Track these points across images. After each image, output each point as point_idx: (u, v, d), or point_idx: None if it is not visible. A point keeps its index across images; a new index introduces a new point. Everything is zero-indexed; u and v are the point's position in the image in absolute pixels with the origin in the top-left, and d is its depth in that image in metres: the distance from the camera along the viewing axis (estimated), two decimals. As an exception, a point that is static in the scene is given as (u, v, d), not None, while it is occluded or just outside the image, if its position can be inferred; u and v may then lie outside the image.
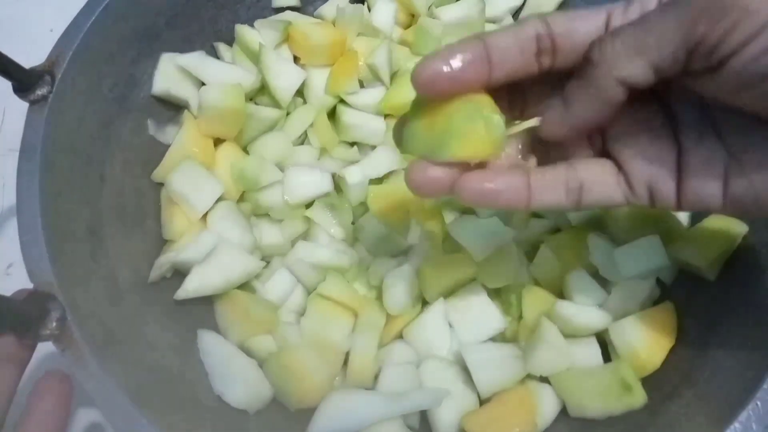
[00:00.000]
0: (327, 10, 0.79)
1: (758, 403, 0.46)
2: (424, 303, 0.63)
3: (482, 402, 0.57)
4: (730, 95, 0.36)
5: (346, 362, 0.60)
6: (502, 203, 0.41)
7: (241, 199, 0.68)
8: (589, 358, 0.58)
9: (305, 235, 0.68)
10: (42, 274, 0.47)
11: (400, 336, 0.62)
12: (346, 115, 0.71)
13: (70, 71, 0.55)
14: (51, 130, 0.53)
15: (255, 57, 0.72)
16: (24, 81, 0.52)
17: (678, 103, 0.41)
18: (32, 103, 0.53)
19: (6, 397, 0.42)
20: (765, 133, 0.37)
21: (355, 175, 0.67)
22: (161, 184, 0.65)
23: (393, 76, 0.74)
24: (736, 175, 0.38)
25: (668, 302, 0.61)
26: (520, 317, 0.61)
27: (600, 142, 0.44)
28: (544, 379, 0.58)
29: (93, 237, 0.55)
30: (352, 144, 0.73)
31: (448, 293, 0.63)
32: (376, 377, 0.59)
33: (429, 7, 0.78)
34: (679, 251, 0.60)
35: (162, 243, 0.64)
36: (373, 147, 0.71)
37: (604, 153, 0.43)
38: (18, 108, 0.53)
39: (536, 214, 0.69)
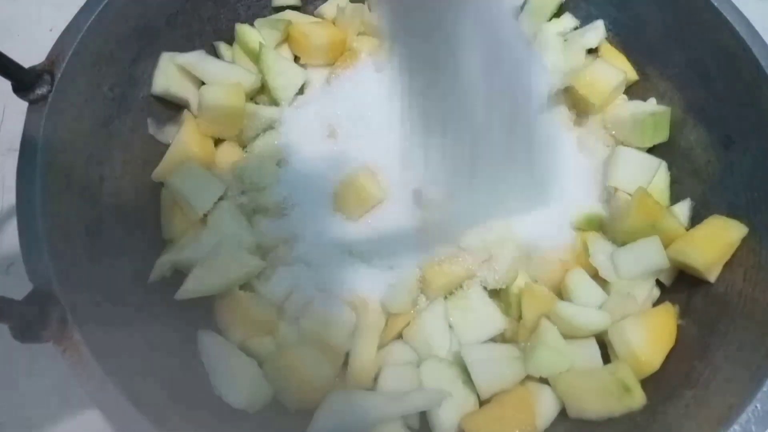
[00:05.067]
0: (327, 9, 0.79)
1: (758, 405, 0.46)
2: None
3: (482, 403, 0.58)
4: None
5: (346, 362, 0.60)
6: None
7: (242, 197, 0.68)
8: (589, 359, 0.58)
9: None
10: (42, 275, 0.47)
11: (400, 336, 0.62)
12: (346, 114, 0.71)
13: (70, 71, 0.55)
14: (51, 130, 0.53)
15: (255, 56, 0.72)
16: (24, 80, 0.52)
17: None
18: (32, 102, 0.53)
19: None
20: None
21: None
22: (161, 184, 0.65)
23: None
24: None
25: (668, 303, 0.61)
26: (520, 318, 0.61)
27: None
28: (544, 380, 0.58)
29: (93, 237, 0.55)
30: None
31: (448, 293, 0.63)
32: (376, 378, 0.58)
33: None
34: (678, 252, 0.60)
35: (162, 243, 0.64)
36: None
37: None
38: (18, 108, 0.53)
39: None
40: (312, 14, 0.80)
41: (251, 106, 0.70)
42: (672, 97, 0.70)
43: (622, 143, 0.71)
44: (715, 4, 0.63)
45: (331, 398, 0.55)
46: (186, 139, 0.66)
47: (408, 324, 0.62)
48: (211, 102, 0.66)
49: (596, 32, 0.75)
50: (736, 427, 0.45)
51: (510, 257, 0.62)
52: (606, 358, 0.59)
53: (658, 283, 0.63)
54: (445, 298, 0.63)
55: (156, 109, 0.68)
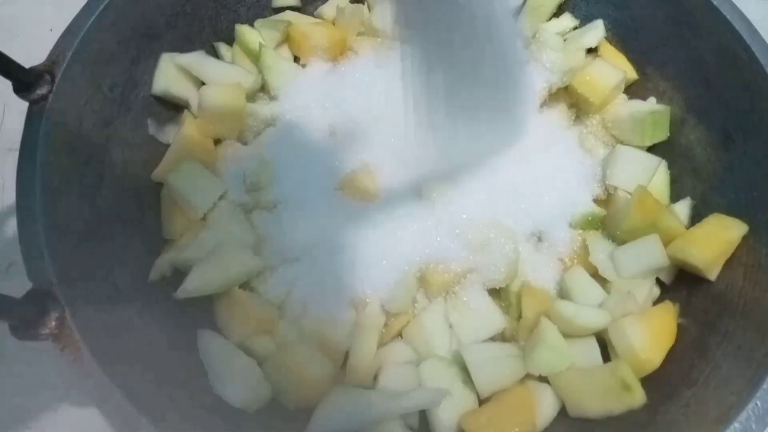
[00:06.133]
0: (327, 9, 0.80)
1: (758, 402, 0.46)
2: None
3: (481, 402, 0.57)
4: None
5: (345, 361, 0.60)
6: None
7: (242, 197, 0.68)
8: (589, 357, 0.58)
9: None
10: (42, 274, 0.47)
11: (399, 335, 0.62)
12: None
13: (70, 71, 0.55)
14: (51, 130, 0.53)
15: (255, 57, 0.73)
16: (24, 80, 0.53)
17: None
18: (32, 102, 0.53)
19: None
20: None
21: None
22: (161, 184, 0.65)
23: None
24: None
25: (668, 302, 0.61)
26: (520, 317, 0.61)
27: None
28: (544, 379, 0.58)
29: (93, 237, 0.55)
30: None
31: (448, 292, 0.63)
32: (376, 377, 0.58)
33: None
34: (678, 251, 0.60)
35: (162, 242, 0.64)
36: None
37: None
38: (18, 107, 0.53)
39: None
40: (312, 15, 0.80)
41: (251, 106, 0.70)
42: (672, 96, 0.71)
43: (622, 142, 0.71)
44: (715, 3, 0.63)
45: (331, 397, 0.54)
46: (186, 139, 0.66)
47: (408, 323, 0.62)
48: (211, 102, 0.66)
49: (596, 32, 0.75)
50: (736, 425, 0.45)
51: (509, 256, 0.62)
52: (606, 356, 0.59)
53: (658, 281, 0.63)
54: (445, 297, 0.63)
55: (156, 110, 0.68)
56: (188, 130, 0.67)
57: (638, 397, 0.54)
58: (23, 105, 0.53)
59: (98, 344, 0.46)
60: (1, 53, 0.50)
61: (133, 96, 0.64)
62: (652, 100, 0.72)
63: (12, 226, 0.49)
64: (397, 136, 0.70)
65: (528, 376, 0.58)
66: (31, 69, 0.54)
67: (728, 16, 0.62)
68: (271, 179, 0.67)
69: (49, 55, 0.55)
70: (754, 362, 0.49)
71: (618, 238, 0.64)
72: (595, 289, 0.61)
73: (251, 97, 0.72)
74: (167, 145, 0.67)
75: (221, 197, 0.65)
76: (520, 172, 0.68)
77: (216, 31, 0.75)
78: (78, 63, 0.56)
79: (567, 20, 0.78)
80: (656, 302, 0.63)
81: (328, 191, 0.67)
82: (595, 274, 0.62)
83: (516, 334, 0.61)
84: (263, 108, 0.71)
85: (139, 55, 0.65)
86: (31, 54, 0.56)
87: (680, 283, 0.62)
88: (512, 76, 0.57)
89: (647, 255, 0.61)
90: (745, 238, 0.58)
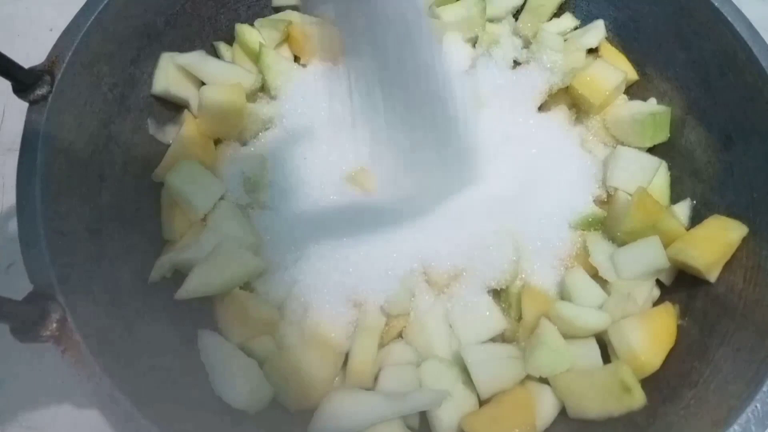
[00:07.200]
0: (327, 9, 0.79)
1: (757, 405, 0.46)
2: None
3: (482, 403, 0.58)
4: None
5: (346, 362, 0.60)
6: None
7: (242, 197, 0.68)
8: (589, 359, 0.58)
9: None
10: (42, 275, 0.47)
11: (400, 336, 0.62)
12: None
13: (70, 71, 0.55)
14: (51, 130, 0.53)
15: (255, 56, 0.72)
16: (24, 81, 0.52)
17: None
18: (32, 102, 0.53)
19: None
20: None
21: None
22: (161, 184, 0.65)
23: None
24: None
25: (668, 303, 0.61)
26: (520, 318, 0.61)
27: None
28: (544, 380, 0.58)
29: (93, 237, 0.55)
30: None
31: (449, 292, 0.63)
32: (376, 378, 0.59)
33: (429, 7, 0.78)
34: (679, 252, 0.60)
35: (162, 243, 0.64)
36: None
37: None
38: (18, 108, 0.53)
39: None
40: (312, 14, 0.80)
41: (251, 105, 0.70)
42: (672, 97, 0.71)
43: (623, 143, 0.71)
44: (715, 4, 0.63)
45: (331, 398, 0.55)
46: (186, 139, 0.66)
47: (408, 324, 0.62)
48: (211, 102, 0.66)
49: (596, 32, 0.75)
50: (736, 427, 0.45)
51: (510, 257, 0.62)
52: (606, 358, 0.59)
53: (658, 283, 0.63)
54: (445, 298, 0.62)
55: (156, 110, 0.68)
56: (188, 130, 0.67)
57: (638, 398, 0.54)
58: (23, 105, 0.53)
59: (99, 346, 0.46)
60: (1, 53, 0.50)
61: (133, 96, 0.64)
62: (652, 100, 0.72)
63: (12, 226, 0.49)
64: (397, 136, 0.70)
65: (528, 377, 0.58)
66: (31, 69, 0.53)
67: (729, 17, 0.62)
68: (271, 179, 0.67)
69: (49, 55, 0.55)
70: (754, 364, 0.49)
71: (618, 239, 0.64)
72: (595, 291, 0.61)
73: (251, 97, 0.72)
74: (167, 145, 0.67)
75: (221, 197, 0.65)
76: (521, 173, 0.68)
77: (216, 30, 0.75)
78: (78, 63, 0.56)
79: (567, 20, 0.78)
80: (656, 303, 0.63)
81: (328, 191, 0.66)
82: (596, 275, 0.62)
83: (516, 335, 0.61)
84: (263, 108, 0.71)
85: (139, 54, 0.65)
86: (31, 54, 0.56)
87: (680, 285, 0.62)
88: (447, 106, 0.55)
89: (647, 256, 0.61)
90: (745, 239, 0.58)
